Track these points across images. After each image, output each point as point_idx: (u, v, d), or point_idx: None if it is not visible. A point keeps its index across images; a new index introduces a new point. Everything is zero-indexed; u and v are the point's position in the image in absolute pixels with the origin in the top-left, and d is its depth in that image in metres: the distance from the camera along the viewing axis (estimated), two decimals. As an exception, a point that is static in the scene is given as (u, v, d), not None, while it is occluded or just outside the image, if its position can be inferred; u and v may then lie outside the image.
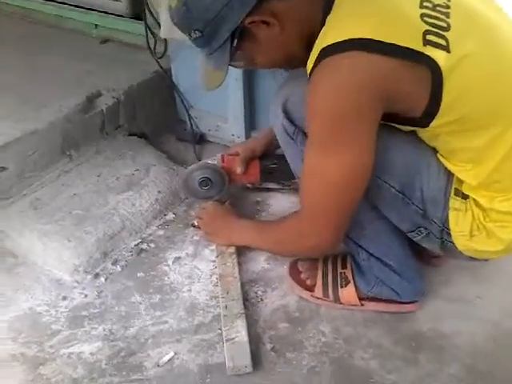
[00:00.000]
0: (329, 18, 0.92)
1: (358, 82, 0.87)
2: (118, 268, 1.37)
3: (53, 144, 1.56)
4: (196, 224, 1.43)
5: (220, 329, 1.19)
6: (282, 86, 1.14)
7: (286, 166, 1.45)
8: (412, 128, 0.99)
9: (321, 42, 0.90)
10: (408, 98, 0.91)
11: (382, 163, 0.99)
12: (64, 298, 1.28)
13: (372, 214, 1.13)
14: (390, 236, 1.18)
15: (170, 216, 1.55)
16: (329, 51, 0.88)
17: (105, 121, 1.69)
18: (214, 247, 1.42)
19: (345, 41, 0.86)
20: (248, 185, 1.54)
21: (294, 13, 0.95)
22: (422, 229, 1.09)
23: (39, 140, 1.51)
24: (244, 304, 1.25)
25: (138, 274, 1.36)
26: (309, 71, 0.94)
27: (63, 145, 1.59)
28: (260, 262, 1.39)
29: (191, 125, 1.86)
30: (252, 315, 1.24)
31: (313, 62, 0.92)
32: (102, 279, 1.34)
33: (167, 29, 1.59)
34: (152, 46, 1.78)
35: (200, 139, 1.88)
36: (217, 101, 1.78)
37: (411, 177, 1.03)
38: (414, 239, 1.14)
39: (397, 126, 1.00)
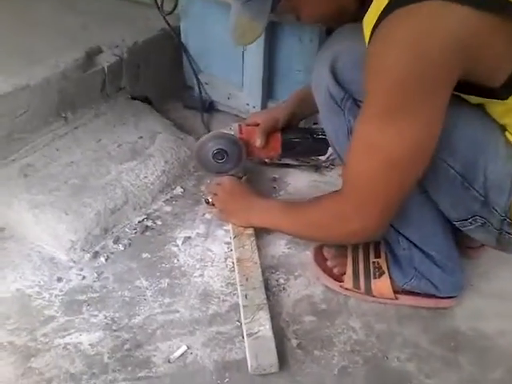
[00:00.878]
0: None
1: (440, 39, 0.72)
2: (121, 247, 1.21)
3: (47, 103, 1.37)
4: (210, 201, 1.27)
5: (238, 321, 1.05)
6: (330, 42, 0.97)
7: (309, 141, 1.32)
8: (483, 100, 0.84)
9: None
10: (493, 63, 0.76)
11: (443, 139, 0.85)
12: (59, 280, 1.12)
13: (420, 198, 0.99)
14: (436, 224, 1.05)
15: (178, 190, 1.38)
16: (403, 1, 0.72)
17: (106, 80, 1.51)
18: (228, 227, 1.27)
19: None
20: (266, 159, 1.38)
21: None
22: (478, 217, 0.95)
23: (31, 97, 1.33)
24: (265, 290, 1.11)
25: (143, 255, 1.20)
26: (371, 25, 0.78)
27: (58, 105, 1.40)
28: (280, 246, 1.24)
29: (200, 91, 1.69)
30: (274, 306, 1.10)
31: (377, 13, 0.76)
32: (102, 259, 1.17)
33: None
34: (159, 1, 1.59)
35: (209, 107, 1.71)
36: (230, 65, 1.61)
37: (475, 157, 0.89)
38: (464, 228, 1.00)
39: (464, 96, 0.85)
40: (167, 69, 1.71)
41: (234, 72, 1.62)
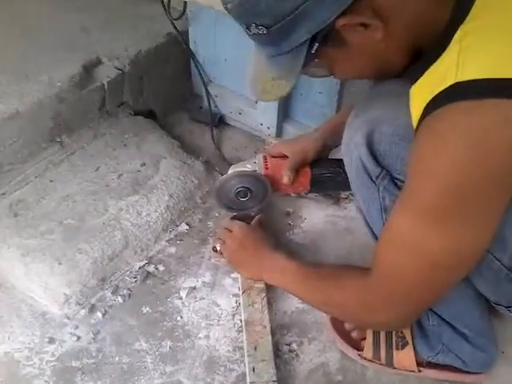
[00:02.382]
0: (466, 30, 0.62)
1: (507, 142, 0.58)
2: (119, 299, 1.11)
3: (40, 129, 1.24)
4: (218, 249, 1.15)
5: (246, 397, 0.96)
6: (369, 102, 0.83)
7: (340, 176, 1.16)
8: None
9: (454, 69, 0.60)
10: None
11: (495, 233, 0.72)
12: (51, 341, 1.03)
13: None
14: (470, 300, 0.94)
15: (183, 227, 1.27)
16: (470, 91, 0.58)
17: (105, 97, 1.36)
18: (236, 275, 1.16)
19: (497, 80, 0.56)
20: (292, 194, 1.24)
21: (407, 14, 0.66)
22: (520, 308, 0.84)
23: (22, 125, 1.20)
24: (275, 361, 1.01)
25: (144, 310, 1.10)
26: (422, 103, 0.65)
27: (53, 129, 1.27)
28: (293, 301, 1.13)
29: (209, 103, 1.54)
30: (285, 378, 1.01)
31: (433, 91, 0.62)
32: (99, 314, 1.08)
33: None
34: (166, 1, 1.42)
35: (219, 122, 1.56)
36: (244, 77, 1.45)
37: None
38: (501, 311, 0.89)
39: None
40: (173, 78, 1.55)
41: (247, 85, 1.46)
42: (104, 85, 1.34)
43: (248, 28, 0.69)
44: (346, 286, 0.86)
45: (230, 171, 1.14)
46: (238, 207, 1.18)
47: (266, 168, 1.13)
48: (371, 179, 0.81)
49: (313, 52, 0.68)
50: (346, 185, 1.20)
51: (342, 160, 1.20)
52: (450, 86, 0.60)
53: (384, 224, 0.84)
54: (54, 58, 1.34)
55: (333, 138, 1.17)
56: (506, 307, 0.89)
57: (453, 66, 0.61)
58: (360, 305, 0.84)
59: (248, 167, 1.14)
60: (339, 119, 1.20)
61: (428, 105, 0.63)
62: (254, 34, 0.69)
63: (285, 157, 1.15)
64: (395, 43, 0.69)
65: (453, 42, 0.63)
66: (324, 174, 1.15)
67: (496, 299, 0.89)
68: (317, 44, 0.67)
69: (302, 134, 1.22)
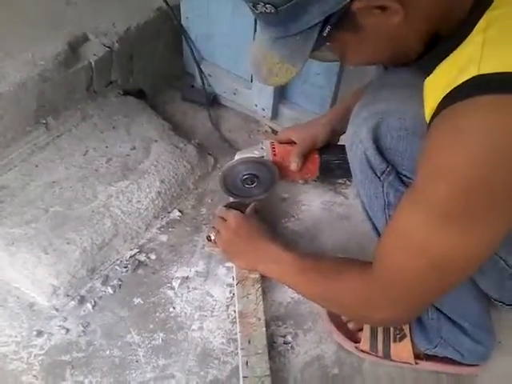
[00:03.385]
0: (490, 18, 0.58)
1: None
2: (109, 290, 1.07)
3: (23, 110, 1.18)
4: (212, 238, 1.11)
5: (241, 391, 0.94)
6: (376, 92, 0.78)
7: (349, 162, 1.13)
8: None
9: (476, 61, 0.56)
10: None
11: None
12: (39, 334, 0.99)
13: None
14: (472, 297, 0.92)
15: (175, 214, 1.23)
16: (492, 85, 0.54)
17: (93, 77, 1.29)
18: (230, 264, 1.13)
19: None
20: (300, 181, 1.19)
21: (426, 0, 0.61)
22: (525, 304, 0.82)
23: (5, 106, 1.13)
24: (269, 354, 0.99)
25: (135, 301, 1.06)
26: (437, 97, 0.61)
27: (37, 110, 1.21)
28: (289, 291, 1.11)
29: (203, 82, 1.48)
30: (280, 371, 0.99)
31: (451, 84, 0.59)
32: (89, 306, 1.04)
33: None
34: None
35: (212, 101, 1.50)
36: (238, 56, 1.39)
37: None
38: (502, 307, 0.88)
39: None
40: (164, 56, 1.48)
41: (241, 64, 1.40)
42: (91, 63, 1.27)
43: (254, 6, 0.63)
44: (345, 281, 0.83)
45: (237, 157, 1.10)
46: (244, 194, 1.14)
47: (274, 154, 1.09)
48: (376, 174, 0.77)
49: (324, 35, 0.63)
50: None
51: None
52: (472, 79, 0.55)
53: (388, 220, 0.80)
54: (37, 33, 1.26)
55: (342, 123, 1.11)
56: (508, 305, 0.88)
57: (475, 57, 0.56)
58: (359, 300, 0.81)
59: (255, 153, 1.09)
60: (349, 103, 1.14)
61: (446, 97, 0.59)
62: (260, 12, 0.64)
63: (293, 143, 1.10)
64: (413, 29, 0.64)
65: (475, 30, 0.59)
66: (333, 161, 1.11)
67: (498, 297, 0.88)
68: (329, 27, 0.62)
69: (311, 120, 1.17)
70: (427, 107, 0.63)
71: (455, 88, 0.57)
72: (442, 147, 0.59)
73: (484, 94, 0.54)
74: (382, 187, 0.77)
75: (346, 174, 1.16)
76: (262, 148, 1.09)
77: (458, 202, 0.60)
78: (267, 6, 0.62)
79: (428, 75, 0.65)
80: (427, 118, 0.63)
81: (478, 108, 0.55)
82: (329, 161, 1.10)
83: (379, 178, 0.77)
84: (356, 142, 0.77)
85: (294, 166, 1.07)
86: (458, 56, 0.60)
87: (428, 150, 0.61)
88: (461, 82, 0.56)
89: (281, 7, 0.61)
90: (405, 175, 0.76)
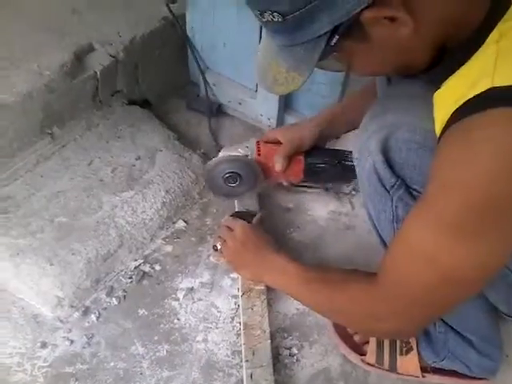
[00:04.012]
0: (504, 29, 0.58)
1: None
2: (114, 301, 1.07)
3: (29, 121, 1.18)
4: (219, 248, 1.10)
5: (246, 405, 0.93)
6: (385, 104, 0.77)
7: (336, 168, 1.12)
8: None
9: (490, 72, 0.56)
10: None
11: None
12: (43, 345, 0.99)
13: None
14: (480, 311, 0.91)
15: (180, 224, 1.22)
16: (506, 98, 0.54)
17: (98, 86, 1.30)
18: (235, 275, 1.13)
19: None
20: (284, 183, 1.20)
21: (438, 9, 0.61)
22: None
23: (10, 117, 1.13)
24: (274, 367, 0.98)
25: (140, 312, 1.06)
26: (447, 110, 0.60)
27: (43, 121, 1.21)
28: (294, 302, 1.10)
29: (206, 92, 1.48)
30: (285, 383, 0.98)
31: (462, 98, 0.58)
32: (93, 317, 1.04)
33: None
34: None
35: (217, 111, 1.50)
36: (243, 66, 1.39)
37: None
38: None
39: None
40: (169, 65, 1.49)
41: (246, 74, 1.40)
42: (97, 73, 1.27)
43: (261, 14, 0.63)
44: (350, 292, 0.82)
45: (221, 154, 1.10)
46: (226, 192, 1.13)
47: (259, 154, 1.09)
48: (385, 188, 0.76)
49: (332, 45, 0.62)
50: (341, 177, 1.16)
51: (338, 151, 1.17)
52: (486, 91, 0.55)
53: (395, 232, 0.80)
54: (42, 43, 1.26)
55: (330, 127, 1.12)
56: (517, 318, 0.87)
57: (489, 69, 0.56)
58: (365, 313, 0.80)
59: (239, 151, 1.09)
60: (338, 109, 1.15)
61: (458, 110, 0.58)
62: (267, 21, 0.63)
63: (279, 143, 1.10)
64: (422, 40, 0.63)
65: (488, 41, 0.58)
66: (318, 164, 1.11)
67: (508, 311, 0.87)
68: (337, 36, 0.61)
69: (299, 122, 1.17)
70: (438, 120, 0.63)
71: (468, 101, 0.57)
72: (455, 160, 0.58)
73: (498, 106, 0.54)
74: (391, 201, 0.77)
75: (331, 178, 1.17)
76: (246, 146, 1.09)
77: (471, 216, 0.59)
78: (274, 14, 0.61)
79: (438, 87, 0.65)
80: (437, 131, 0.63)
81: (492, 121, 0.54)
82: (314, 164, 1.10)
83: (388, 191, 0.76)
84: (365, 154, 0.77)
85: (277, 166, 1.07)
86: (470, 68, 0.60)
87: (439, 163, 0.61)
88: (474, 94, 0.56)
89: (288, 16, 0.60)
90: (415, 189, 0.75)
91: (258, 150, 1.09)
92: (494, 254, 0.62)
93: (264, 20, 0.64)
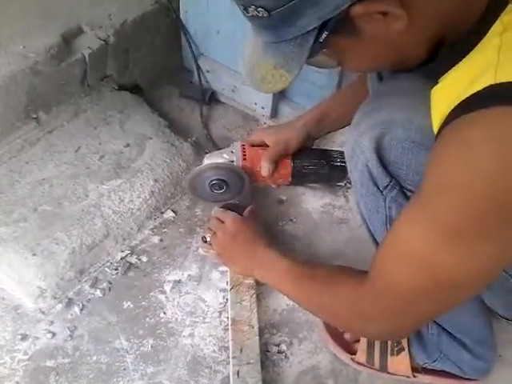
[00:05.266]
0: (507, 21, 0.55)
1: None
2: (98, 292, 1.04)
3: (13, 105, 1.14)
4: (208, 240, 1.07)
5: (231, 402, 0.91)
6: (376, 102, 0.73)
7: (324, 169, 1.10)
8: None
9: (492, 68, 0.52)
10: None
11: None
12: (24, 338, 0.96)
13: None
14: (475, 313, 0.89)
15: (169, 215, 1.19)
16: (509, 95, 0.50)
17: (87, 70, 1.25)
18: (225, 268, 1.10)
19: None
20: (273, 186, 1.17)
21: (434, 2, 0.57)
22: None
23: (-7, 100, 1.09)
24: (262, 364, 0.96)
25: (125, 305, 1.03)
26: (446, 107, 0.57)
27: (28, 105, 1.16)
28: (284, 298, 1.07)
29: (200, 78, 1.44)
30: (273, 381, 0.96)
31: (461, 95, 0.54)
32: (77, 309, 1.01)
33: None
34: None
35: (210, 98, 1.46)
36: (237, 52, 1.34)
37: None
38: (509, 324, 0.84)
39: None
40: (161, 50, 1.44)
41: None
42: (85, 57, 1.23)
43: (245, 9, 0.59)
44: (339, 291, 0.79)
45: (206, 161, 1.06)
46: (213, 199, 1.10)
47: (244, 159, 1.05)
48: (378, 188, 0.73)
49: (321, 41, 0.59)
50: (329, 177, 1.14)
51: (326, 151, 1.14)
52: (487, 88, 0.51)
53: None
54: (29, 24, 1.21)
55: (318, 127, 1.09)
56: (514, 322, 0.84)
57: (491, 64, 0.52)
58: (353, 312, 0.76)
59: (224, 157, 1.05)
60: (326, 107, 1.11)
61: (457, 106, 0.55)
62: (252, 16, 0.60)
63: (265, 146, 1.07)
64: (417, 35, 0.60)
65: (490, 34, 0.54)
66: (306, 166, 1.08)
67: (504, 313, 0.84)
68: (326, 32, 0.58)
69: (285, 123, 1.14)
70: (436, 117, 0.59)
71: (468, 97, 0.53)
72: (453, 159, 0.55)
73: (500, 104, 0.50)
74: (384, 201, 0.73)
75: (320, 179, 1.15)
76: (232, 152, 1.05)
77: (467, 218, 0.55)
78: (259, 9, 0.57)
79: (435, 83, 0.61)
80: (435, 128, 0.59)
81: (494, 119, 0.51)
82: (302, 166, 1.07)
83: (381, 192, 0.73)
84: (357, 152, 0.73)
85: (264, 171, 1.04)
86: (470, 62, 0.56)
87: (435, 162, 0.57)
88: (475, 90, 0.52)
89: (273, 11, 0.56)
90: (409, 190, 0.71)
91: (244, 155, 1.06)
92: (491, 259, 0.59)
93: (249, 15, 0.60)
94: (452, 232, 0.58)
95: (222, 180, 1.05)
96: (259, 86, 0.69)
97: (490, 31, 0.55)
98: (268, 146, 1.07)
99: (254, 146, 1.08)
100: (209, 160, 1.05)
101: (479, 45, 0.56)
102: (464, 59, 0.57)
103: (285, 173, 1.08)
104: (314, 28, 0.57)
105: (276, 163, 1.06)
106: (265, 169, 1.04)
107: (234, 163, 1.04)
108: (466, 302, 0.80)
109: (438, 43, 0.62)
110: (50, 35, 1.19)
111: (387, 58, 0.65)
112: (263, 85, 0.68)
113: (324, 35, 0.58)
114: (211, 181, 1.05)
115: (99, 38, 1.26)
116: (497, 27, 0.55)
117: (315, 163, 1.09)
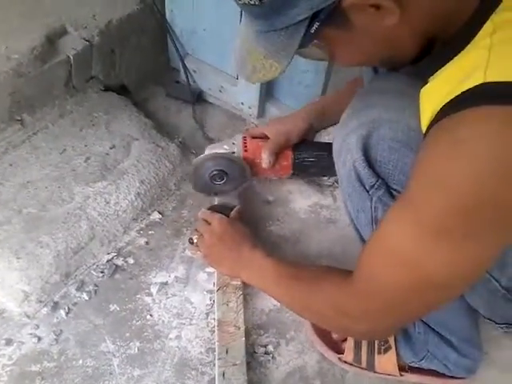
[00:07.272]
0: (498, 21, 0.55)
1: None
2: (85, 296, 1.03)
3: (-4, 107, 1.13)
4: (195, 241, 1.07)
5: (218, 404, 0.91)
6: (365, 101, 0.73)
7: (325, 161, 1.09)
8: None
9: (482, 67, 0.52)
10: None
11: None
12: (8, 342, 0.95)
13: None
14: (461, 312, 0.90)
15: (155, 216, 1.18)
16: (501, 94, 0.50)
17: (71, 72, 1.24)
18: (212, 269, 1.09)
19: None
20: (274, 178, 1.16)
21: (427, 1, 0.58)
22: (512, 326, 0.79)
23: (-25, 103, 1.08)
24: (249, 365, 0.96)
25: (111, 308, 1.02)
26: (434, 107, 0.57)
27: (11, 107, 1.15)
28: (271, 299, 1.06)
29: (187, 78, 1.43)
30: (259, 382, 0.96)
31: (451, 94, 0.55)
32: (63, 313, 1.00)
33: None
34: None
35: (197, 98, 1.45)
36: (224, 52, 1.35)
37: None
38: (494, 326, 0.85)
39: None
40: (147, 50, 1.43)
41: (227, 60, 1.35)
42: (70, 58, 1.21)
43: None
44: (324, 291, 0.79)
45: (207, 152, 1.06)
46: (213, 191, 1.10)
47: (245, 150, 1.06)
48: (364, 188, 0.73)
49: (312, 32, 0.59)
50: (330, 170, 1.12)
51: (328, 144, 1.13)
52: (477, 86, 0.51)
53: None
54: (11, 25, 1.20)
55: (319, 120, 1.09)
56: (498, 323, 0.84)
57: (481, 63, 0.52)
58: (339, 312, 0.76)
59: (225, 148, 1.06)
60: (328, 101, 1.11)
61: (446, 105, 0.55)
62: (244, 3, 0.60)
63: (266, 138, 1.06)
64: (409, 31, 0.60)
65: (481, 34, 0.54)
66: (307, 158, 1.08)
67: (489, 315, 0.85)
68: (317, 23, 0.58)
69: (287, 115, 1.13)
70: (424, 116, 0.59)
71: (458, 96, 0.53)
72: (440, 158, 0.55)
73: (489, 103, 0.50)
74: (371, 201, 0.73)
75: (321, 172, 1.15)
76: (233, 143, 1.05)
77: (454, 218, 0.55)
78: None
79: (425, 82, 0.61)
80: (423, 127, 0.59)
81: (483, 118, 0.51)
82: (303, 158, 1.07)
83: (368, 191, 0.73)
84: (344, 151, 0.73)
85: (265, 163, 1.04)
86: (461, 61, 0.56)
87: (423, 161, 0.57)
88: (465, 89, 0.52)
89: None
90: (395, 189, 0.71)
91: (245, 146, 1.06)
92: (476, 260, 0.59)
93: (241, 3, 0.61)
94: (438, 232, 0.58)
95: (223, 171, 1.05)
96: (250, 76, 0.69)
97: (480, 31, 0.55)
98: (269, 138, 1.06)
99: (255, 137, 1.08)
100: (210, 151, 1.05)
101: (470, 45, 0.56)
102: (454, 59, 0.57)
103: (286, 165, 1.07)
104: (306, 18, 0.57)
105: (277, 155, 1.05)
106: (265, 160, 1.04)
107: (235, 155, 1.04)
108: (452, 301, 0.81)
109: (430, 41, 0.62)
110: (33, 36, 1.18)
111: (377, 53, 0.65)
112: (254, 75, 0.68)
113: (315, 26, 0.58)
114: (212, 171, 1.05)
115: (84, 39, 1.25)
116: (487, 27, 0.55)
117: (316, 155, 1.08)
